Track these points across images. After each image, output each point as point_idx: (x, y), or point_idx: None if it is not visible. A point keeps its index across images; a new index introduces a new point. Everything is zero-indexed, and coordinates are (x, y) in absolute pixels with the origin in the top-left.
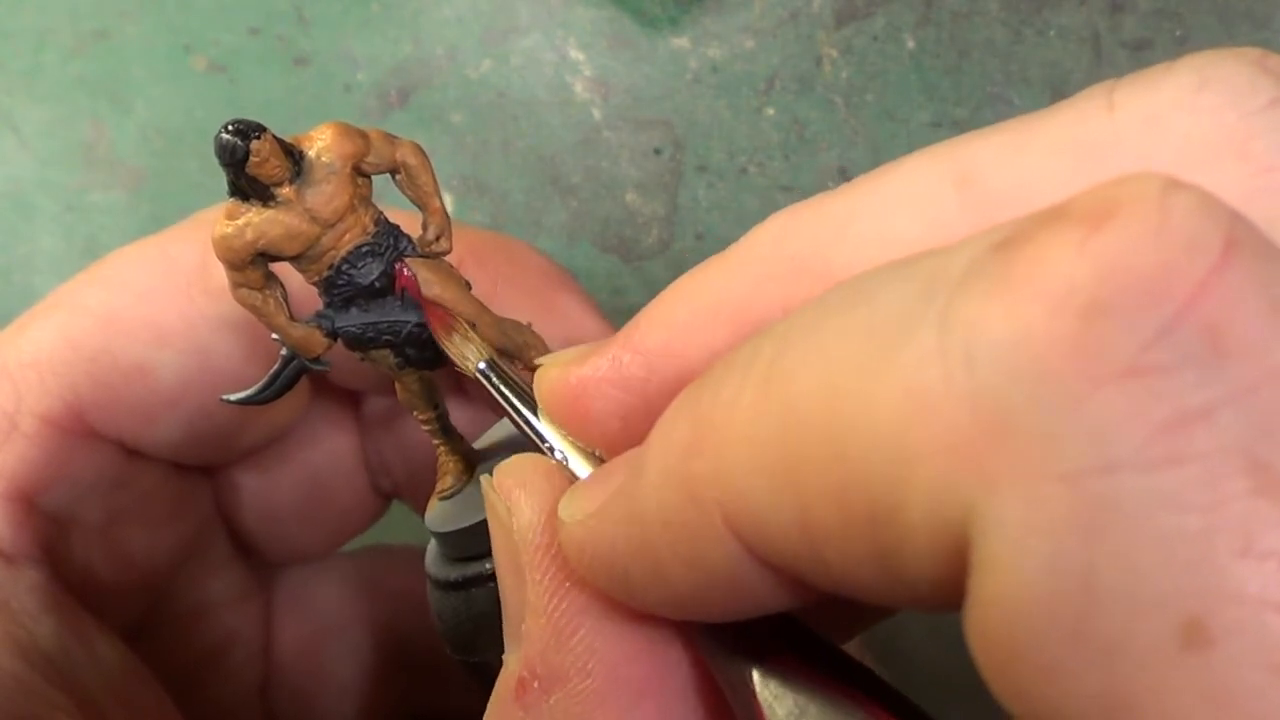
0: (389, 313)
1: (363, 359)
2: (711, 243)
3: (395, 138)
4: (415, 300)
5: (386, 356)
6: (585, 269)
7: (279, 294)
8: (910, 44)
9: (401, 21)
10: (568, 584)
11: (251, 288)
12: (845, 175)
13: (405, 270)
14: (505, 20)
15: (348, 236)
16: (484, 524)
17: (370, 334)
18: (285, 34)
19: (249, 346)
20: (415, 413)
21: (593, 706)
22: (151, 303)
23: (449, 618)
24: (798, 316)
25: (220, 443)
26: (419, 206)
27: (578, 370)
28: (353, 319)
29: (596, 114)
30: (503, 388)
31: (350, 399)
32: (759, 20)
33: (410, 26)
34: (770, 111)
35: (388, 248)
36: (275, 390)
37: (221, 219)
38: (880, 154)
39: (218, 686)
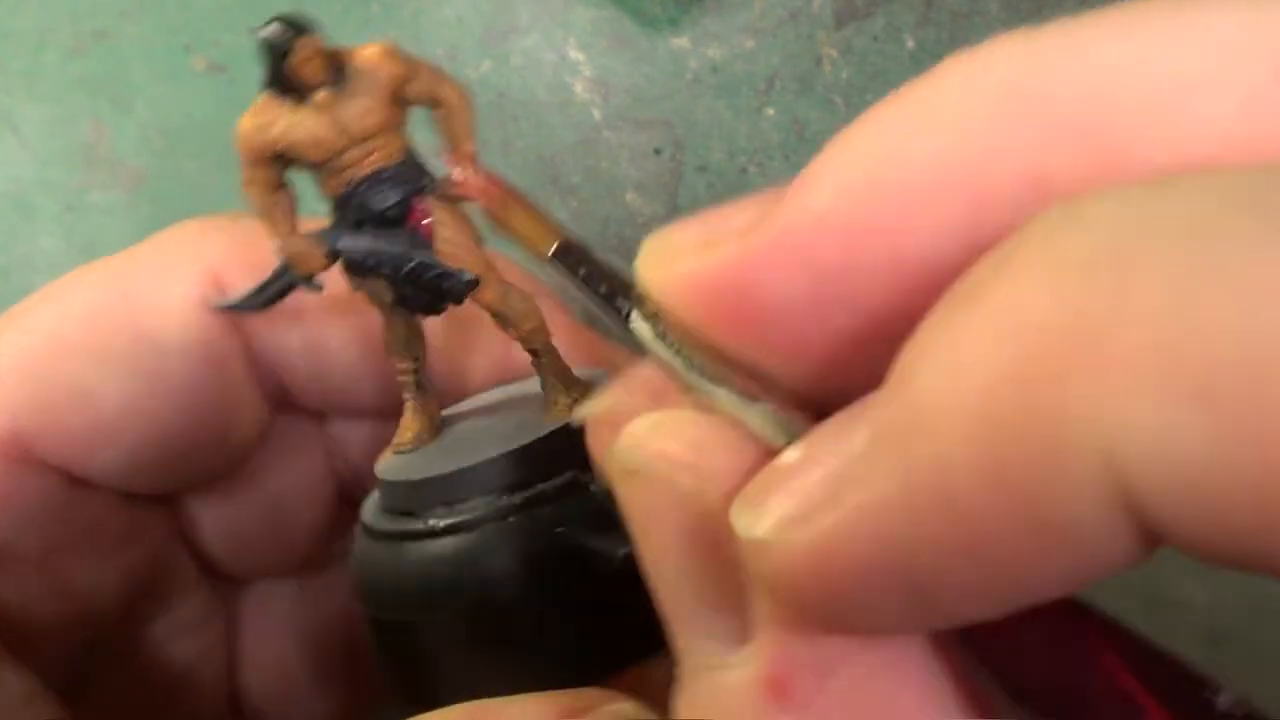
0: (395, 244)
1: (357, 288)
2: None
3: (443, 75)
4: (425, 239)
5: (382, 290)
6: None
7: (287, 203)
8: (910, 44)
9: (401, 21)
10: None
11: (261, 187)
12: None
13: (421, 206)
14: (505, 20)
15: (373, 157)
16: (433, 481)
17: (371, 262)
18: None
19: (202, 369)
20: (394, 359)
21: (888, 683)
22: (98, 324)
23: (372, 569)
24: (1184, 202)
25: (173, 470)
26: (450, 146)
27: (728, 251)
28: (358, 243)
29: (596, 114)
30: (585, 276)
31: (315, 419)
32: (759, 20)
33: (410, 26)
34: (770, 111)
35: (409, 180)
36: (265, 299)
37: (251, 111)
38: None
39: (188, 706)
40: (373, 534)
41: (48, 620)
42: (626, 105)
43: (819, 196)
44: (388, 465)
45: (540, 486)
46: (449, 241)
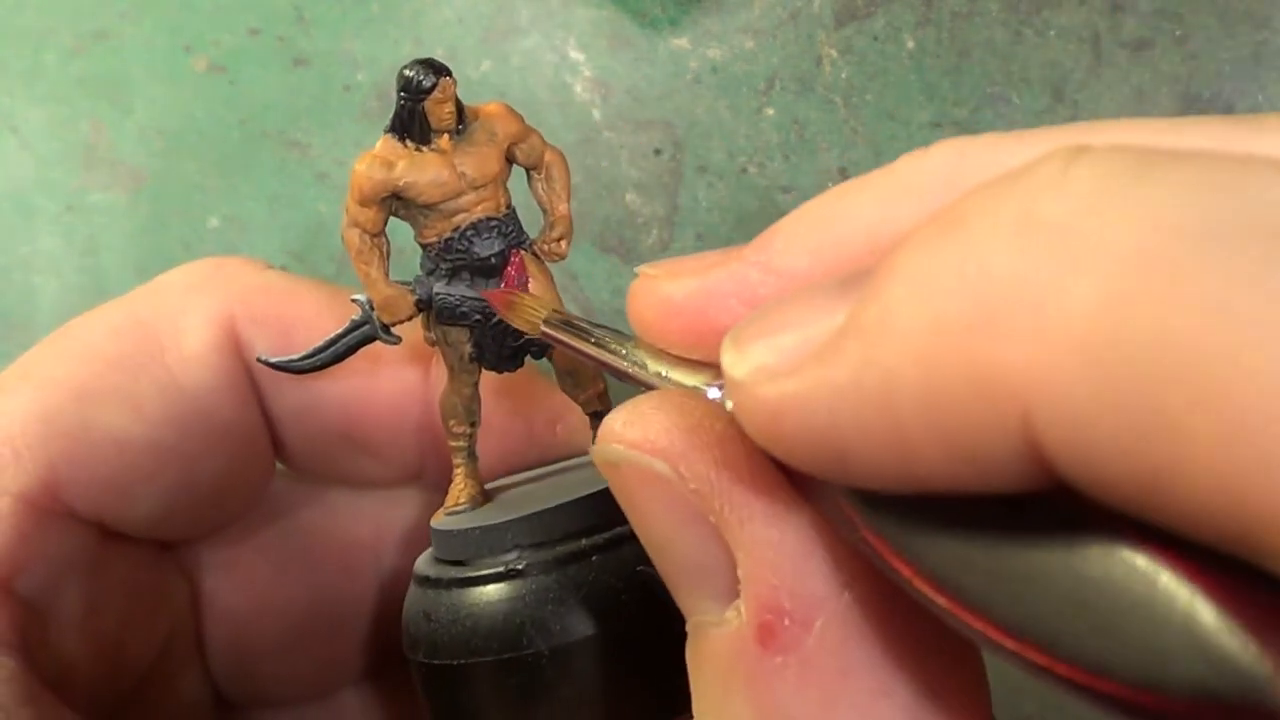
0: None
1: (436, 341)
2: (711, 243)
3: (546, 141)
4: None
5: (462, 341)
6: (585, 269)
7: (384, 248)
8: (910, 44)
9: (401, 22)
10: (782, 507)
11: (364, 229)
12: (845, 176)
13: (518, 258)
14: (505, 20)
15: (483, 205)
16: (515, 523)
17: (464, 309)
18: (285, 34)
19: (225, 411)
20: (452, 423)
21: (870, 619)
22: (124, 371)
23: (426, 617)
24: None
25: (203, 514)
26: (546, 208)
27: (693, 282)
28: (453, 290)
29: (596, 114)
30: (575, 333)
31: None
32: (759, 20)
33: (410, 27)
34: (770, 111)
35: (510, 233)
36: (328, 357)
37: (374, 151)
38: (881, 154)
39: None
40: (431, 582)
41: (88, 681)
42: (626, 105)
43: (774, 253)
44: (441, 521)
45: (620, 529)
46: (534, 293)
